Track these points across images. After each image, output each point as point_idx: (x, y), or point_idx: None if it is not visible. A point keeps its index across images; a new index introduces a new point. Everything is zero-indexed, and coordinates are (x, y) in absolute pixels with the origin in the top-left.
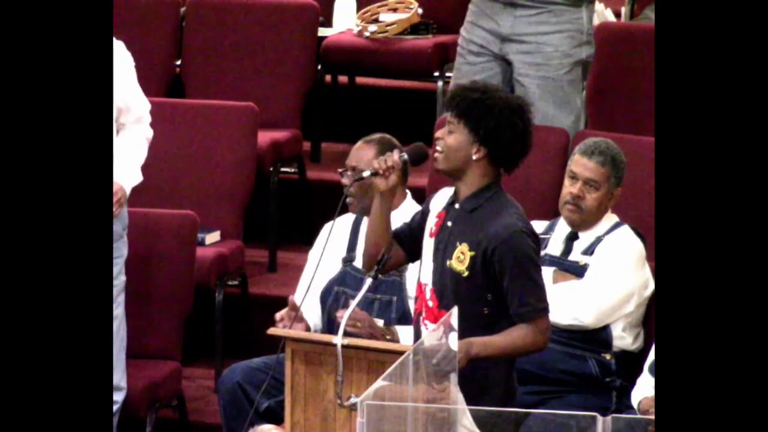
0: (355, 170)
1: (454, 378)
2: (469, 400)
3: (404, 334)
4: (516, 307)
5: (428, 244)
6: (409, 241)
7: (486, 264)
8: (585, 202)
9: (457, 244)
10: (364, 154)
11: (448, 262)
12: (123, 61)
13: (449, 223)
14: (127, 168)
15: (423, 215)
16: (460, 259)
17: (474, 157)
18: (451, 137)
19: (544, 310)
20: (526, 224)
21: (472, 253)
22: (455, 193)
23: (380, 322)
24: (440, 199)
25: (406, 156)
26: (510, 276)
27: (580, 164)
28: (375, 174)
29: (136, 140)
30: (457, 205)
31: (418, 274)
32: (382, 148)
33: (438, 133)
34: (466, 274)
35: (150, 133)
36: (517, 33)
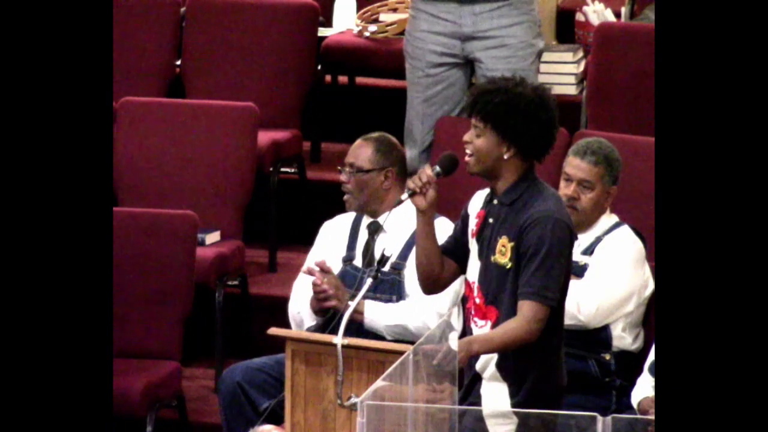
0: (353, 167)
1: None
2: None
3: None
4: (523, 285)
5: (472, 244)
6: (458, 251)
7: (519, 248)
8: (580, 203)
9: (498, 238)
10: (362, 152)
11: (492, 258)
12: None
13: (490, 220)
14: None
15: (463, 221)
16: (503, 252)
17: (505, 157)
18: (479, 141)
19: (546, 299)
20: (562, 211)
21: (512, 243)
22: (492, 191)
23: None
24: (477, 200)
25: (438, 168)
26: (528, 256)
27: (574, 165)
28: (413, 194)
29: None
30: (495, 201)
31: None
32: (380, 146)
33: (466, 137)
34: (509, 265)
35: None
36: (480, 30)
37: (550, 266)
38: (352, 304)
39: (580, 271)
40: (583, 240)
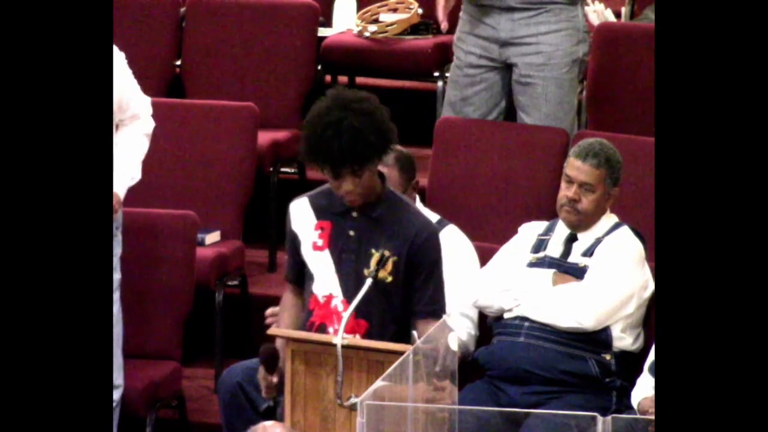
0: None
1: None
2: None
3: None
4: (424, 305)
5: (318, 258)
6: (301, 280)
7: (408, 264)
8: (581, 205)
9: (372, 251)
10: (390, 177)
11: (366, 272)
12: (114, 57)
13: (351, 233)
14: (123, 170)
15: (293, 239)
16: (383, 268)
17: (378, 184)
18: (363, 178)
19: (444, 310)
20: (434, 225)
21: (395, 258)
22: (340, 202)
23: None
24: (302, 213)
25: (265, 370)
26: (425, 274)
27: (575, 167)
28: (275, 397)
29: (134, 138)
30: (355, 213)
31: (308, 286)
32: (402, 164)
33: (348, 186)
34: (389, 279)
35: (150, 127)
36: (517, 36)
37: (442, 282)
38: (352, 305)
39: (579, 273)
40: (582, 241)
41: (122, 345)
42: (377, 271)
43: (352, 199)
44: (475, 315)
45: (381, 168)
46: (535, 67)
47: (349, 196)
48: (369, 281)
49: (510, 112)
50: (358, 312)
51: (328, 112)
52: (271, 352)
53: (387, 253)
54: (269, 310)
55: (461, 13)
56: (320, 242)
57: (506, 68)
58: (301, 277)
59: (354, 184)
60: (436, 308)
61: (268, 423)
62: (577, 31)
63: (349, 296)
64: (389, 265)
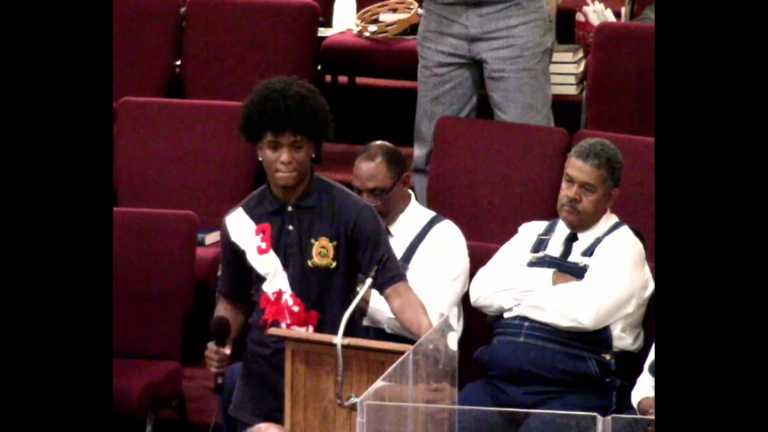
0: (377, 190)
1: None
2: None
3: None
4: (385, 273)
5: (265, 260)
6: (244, 285)
7: (349, 244)
8: (582, 205)
9: (312, 241)
10: (378, 172)
11: (309, 262)
12: None
13: (290, 227)
14: None
15: (233, 249)
16: (323, 253)
17: (312, 157)
18: (300, 154)
19: (403, 274)
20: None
21: (334, 243)
22: (276, 198)
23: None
24: (238, 222)
25: (215, 342)
26: (372, 245)
27: (576, 167)
28: (222, 374)
29: None
30: (290, 208)
31: (257, 287)
32: (390, 157)
33: (284, 158)
34: (333, 265)
35: None
36: (486, 31)
37: (391, 248)
38: (353, 304)
39: (579, 272)
40: (582, 241)
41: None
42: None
43: (287, 174)
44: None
45: (366, 163)
46: (508, 61)
47: (284, 169)
48: (369, 281)
49: (481, 109)
50: (309, 305)
51: (272, 83)
52: (222, 324)
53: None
54: (207, 351)
55: (423, 11)
56: (263, 245)
57: (475, 64)
58: (235, 288)
59: (290, 156)
60: (396, 273)
61: (263, 425)
62: (544, 21)
63: (297, 290)
64: (330, 252)
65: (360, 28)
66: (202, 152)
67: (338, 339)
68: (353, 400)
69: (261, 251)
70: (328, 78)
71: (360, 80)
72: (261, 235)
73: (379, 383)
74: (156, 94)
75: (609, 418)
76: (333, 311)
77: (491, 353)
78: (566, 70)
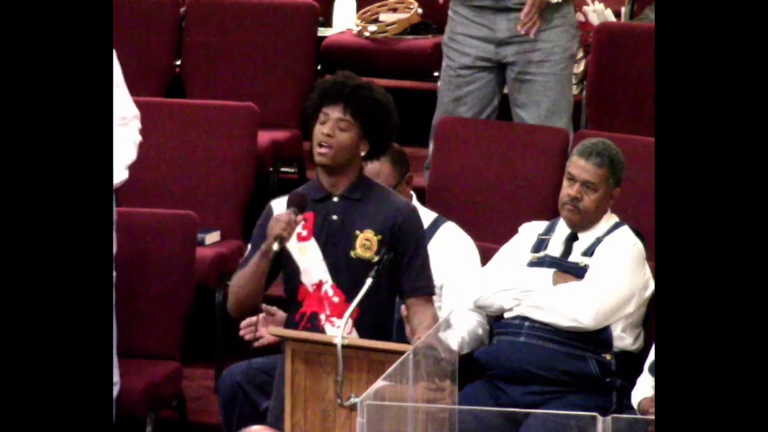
0: None
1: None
2: None
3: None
4: (413, 281)
5: (304, 248)
6: (272, 270)
7: (393, 242)
8: (583, 204)
9: (357, 233)
10: (383, 171)
11: (352, 253)
12: None
13: (334, 217)
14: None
15: (264, 234)
16: (367, 246)
17: (362, 153)
18: (344, 135)
19: (434, 289)
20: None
21: (379, 236)
22: (323, 187)
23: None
24: (282, 207)
25: (296, 210)
26: (413, 251)
27: (578, 166)
28: (282, 242)
29: (120, 141)
30: (336, 198)
31: (293, 280)
32: (393, 156)
33: (326, 130)
34: (375, 259)
35: (137, 137)
36: (514, 35)
37: (428, 259)
38: (353, 303)
39: (580, 272)
40: (583, 241)
41: (117, 343)
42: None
43: (323, 150)
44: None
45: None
46: (535, 64)
47: (323, 143)
48: (369, 281)
49: (501, 111)
50: (348, 296)
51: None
52: (302, 195)
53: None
54: (244, 322)
55: (450, 14)
56: (304, 232)
57: (500, 67)
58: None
59: (332, 131)
60: (425, 284)
61: (255, 428)
62: (571, 27)
63: (337, 280)
64: (374, 245)
65: (360, 28)
66: (202, 152)
67: (338, 339)
68: (353, 400)
69: (301, 238)
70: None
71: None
72: (302, 222)
73: (379, 383)
74: (156, 94)
75: (609, 418)
76: (369, 305)
77: (491, 353)
78: None
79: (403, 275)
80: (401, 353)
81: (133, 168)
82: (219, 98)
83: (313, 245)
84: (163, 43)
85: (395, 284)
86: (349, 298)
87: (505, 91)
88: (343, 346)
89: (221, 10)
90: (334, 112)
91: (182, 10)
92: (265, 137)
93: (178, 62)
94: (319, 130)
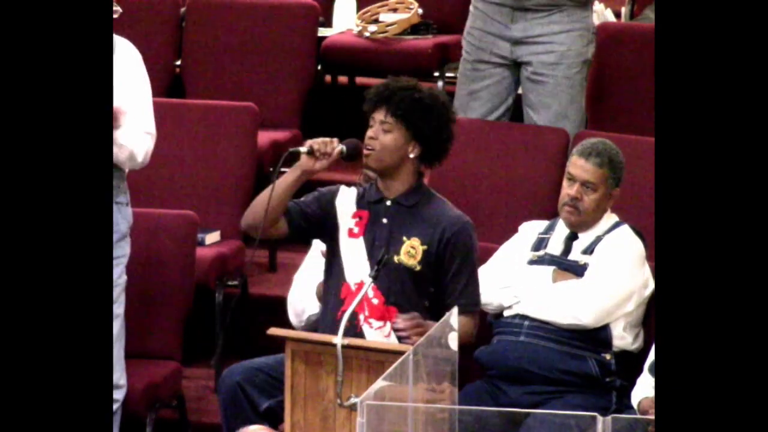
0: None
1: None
2: None
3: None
4: (457, 296)
5: (352, 244)
6: (298, 220)
7: (439, 254)
8: (583, 204)
9: (404, 239)
10: None
11: (396, 258)
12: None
13: (384, 220)
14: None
15: (321, 204)
16: (411, 253)
17: (411, 156)
18: (387, 137)
19: (478, 305)
20: (467, 217)
21: (425, 246)
22: (379, 190)
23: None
24: (346, 197)
25: (344, 149)
26: (458, 266)
27: (578, 166)
28: (310, 153)
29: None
30: (388, 202)
31: (338, 276)
32: None
33: (370, 133)
34: (418, 268)
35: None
36: (530, 35)
37: (477, 273)
38: (354, 303)
39: (580, 270)
40: (583, 240)
41: (124, 346)
42: (378, 268)
43: (366, 151)
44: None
45: None
46: (548, 66)
47: (367, 144)
48: (369, 281)
49: (515, 111)
50: (389, 300)
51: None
52: (358, 143)
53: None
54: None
55: (471, 8)
56: (356, 230)
57: (515, 66)
58: (296, 218)
59: (375, 133)
60: (468, 302)
61: (253, 427)
62: (587, 32)
63: (378, 282)
64: (418, 254)
65: (360, 28)
66: (202, 152)
67: (338, 339)
68: (353, 400)
69: (352, 234)
70: (328, 78)
71: (360, 80)
72: (357, 219)
73: (379, 383)
74: (156, 94)
75: (609, 418)
76: (411, 311)
77: (491, 353)
78: None
79: (447, 289)
80: (401, 353)
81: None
82: (219, 98)
83: (360, 244)
84: (163, 43)
85: (439, 296)
86: (387, 302)
87: (520, 90)
88: (343, 346)
89: (221, 10)
90: (378, 115)
91: (182, 10)
92: (265, 137)
93: (178, 62)
94: (366, 134)
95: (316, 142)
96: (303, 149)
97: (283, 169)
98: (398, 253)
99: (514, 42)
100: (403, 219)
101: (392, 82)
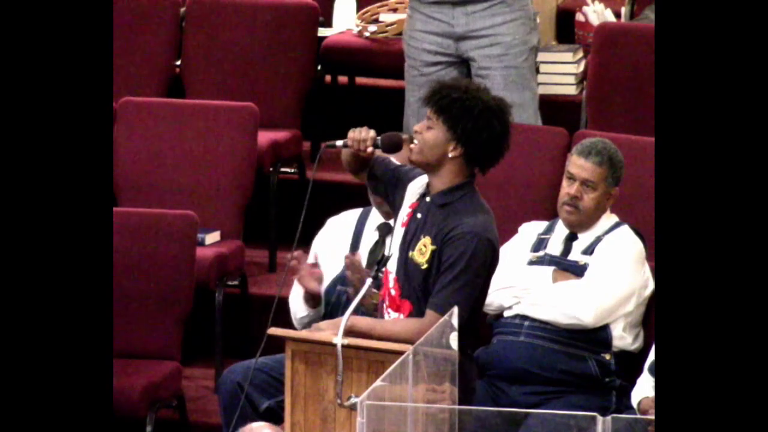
0: None
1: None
2: None
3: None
4: (433, 295)
5: (398, 234)
6: (383, 176)
7: (440, 255)
8: (582, 203)
9: (422, 236)
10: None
11: (410, 253)
12: None
13: (419, 215)
14: None
15: (400, 178)
16: (422, 251)
17: (450, 155)
18: (429, 132)
19: (443, 311)
20: (488, 232)
21: (434, 247)
22: (428, 185)
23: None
24: (415, 188)
25: (378, 142)
26: (445, 268)
27: (577, 165)
28: (346, 146)
29: None
30: (428, 199)
31: (384, 262)
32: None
33: (416, 127)
34: (424, 266)
35: None
36: (473, 29)
37: (463, 283)
38: (354, 303)
39: (579, 270)
40: (583, 240)
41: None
42: (378, 268)
43: (412, 146)
44: None
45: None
46: (494, 59)
47: (415, 138)
48: (369, 281)
49: None
50: (404, 293)
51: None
52: (398, 135)
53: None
54: (296, 253)
55: (408, 11)
56: (405, 220)
57: (462, 63)
58: (377, 168)
59: (422, 127)
60: (438, 302)
61: (256, 425)
62: (529, 20)
63: (399, 274)
64: (427, 253)
65: (360, 28)
66: (202, 152)
67: (338, 339)
68: (353, 400)
69: (402, 224)
70: (328, 78)
71: (360, 80)
72: (409, 210)
73: (379, 383)
74: (156, 94)
75: (609, 418)
76: (417, 308)
77: (491, 353)
78: (566, 70)
79: (435, 287)
80: (401, 353)
81: (133, 168)
82: (219, 98)
83: (401, 234)
84: (163, 43)
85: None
86: (402, 295)
87: None
88: (343, 346)
89: (221, 10)
90: (428, 111)
91: (182, 10)
92: (265, 137)
93: (178, 62)
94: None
95: (351, 137)
96: (339, 143)
97: (284, 169)
98: (413, 249)
99: (457, 38)
100: (433, 217)
101: (445, 82)
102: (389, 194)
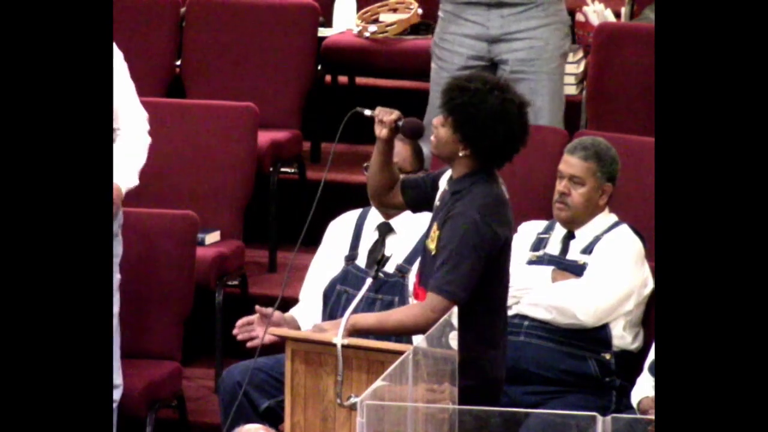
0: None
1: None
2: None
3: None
4: (434, 278)
5: (431, 219)
6: (414, 191)
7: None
8: (571, 199)
9: (434, 223)
10: (403, 151)
11: (426, 241)
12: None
13: (437, 203)
14: (124, 170)
15: (433, 182)
16: (432, 237)
17: (460, 154)
18: (442, 130)
19: (445, 292)
20: (484, 215)
21: (439, 232)
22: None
23: None
24: (444, 180)
25: (401, 123)
26: (439, 249)
27: (564, 161)
28: (372, 118)
29: (134, 144)
30: (446, 186)
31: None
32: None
33: (435, 120)
34: (434, 252)
35: (146, 141)
36: (507, 32)
37: (458, 263)
38: (354, 302)
39: (579, 270)
40: (582, 239)
41: (120, 345)
42: (378, 268)
43: (432, 138)
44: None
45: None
46: (527, 63)
47: (432, 130)
48: (369, 280)
49: None
50: (422, 279)
51: (498, 83)
52: (420, 123)
53: (394, 254)
54: (239, 321)
55: (441, 13)
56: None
57: (493, 66)
58: (409, 186)
59: (437, 122)
60: (435, 283)
61: (252, 426)
62: (563, 25)
63: (419, 263)
64: (436, 238)
65: (360, 28)
66: (202, 152)
67: (338, 339)
68: (353, 400)
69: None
70: (328, 78)
71: (360, 80)
72: (438, 203)
73: (379, 383)
74: (156, 94)
75: (609, 418)
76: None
77: None
78: (566, 70)
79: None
80: (401, 353)
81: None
82: (219, 98)
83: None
84: (163, 43)
85: (481, 293)
86: (421, 282)
87: None
88: (343, 346)
89: (221, 10)
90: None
91: (182, 10)
92: (265, 137)
93: (178, 62)
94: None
95: (379, 108)
96: (367, 112)
97: (284, 169)
98: (428, 236)
99: (491, 41)
100: (445, 204)
101: (459, 81)
102: (431, 199)
